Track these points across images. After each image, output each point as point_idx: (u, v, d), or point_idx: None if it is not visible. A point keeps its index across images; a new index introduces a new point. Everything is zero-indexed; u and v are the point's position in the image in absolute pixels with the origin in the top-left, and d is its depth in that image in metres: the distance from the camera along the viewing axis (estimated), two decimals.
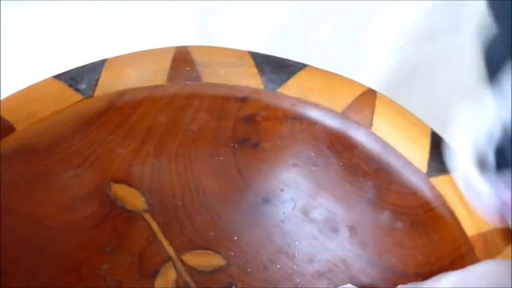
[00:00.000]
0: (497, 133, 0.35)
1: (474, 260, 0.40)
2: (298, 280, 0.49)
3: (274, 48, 0.48)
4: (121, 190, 0.48)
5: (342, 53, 0.63)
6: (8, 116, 0.43)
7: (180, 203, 0.49)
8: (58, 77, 0.44)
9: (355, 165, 0.46)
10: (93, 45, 0.50)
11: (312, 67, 0.45)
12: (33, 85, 0.44)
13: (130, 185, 0.48)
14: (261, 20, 0.63)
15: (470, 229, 0.41)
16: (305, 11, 0.64)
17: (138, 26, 0.59)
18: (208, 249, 0.50)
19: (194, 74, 0.45)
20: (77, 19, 0.58)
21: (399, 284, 0.42)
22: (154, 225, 0.49)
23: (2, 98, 0.43)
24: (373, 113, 0.44)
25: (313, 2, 0.63)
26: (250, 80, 0.45)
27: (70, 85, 0.44)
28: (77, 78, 0.44)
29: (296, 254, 0.49)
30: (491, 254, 0.40)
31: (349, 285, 0.46)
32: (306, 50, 0.61)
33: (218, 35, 0.61)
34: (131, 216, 0.49)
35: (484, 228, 0.40)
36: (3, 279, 0.44)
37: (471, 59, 0.38)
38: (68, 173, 0.46)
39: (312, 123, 0.46)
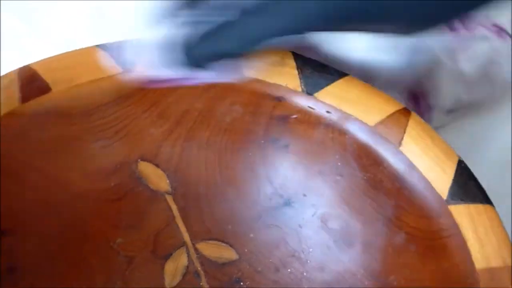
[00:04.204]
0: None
1: None
2: (306, 286, 0.49)
3: None
4: (147, 169, 0.49)
5: None
6: (46, 76, 0.43)
7: (203, 191, 0.50)
8: (101, 46, 0.45)
9: (379, 181, 0.45)
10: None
11: (352, 77, 0.45)
12: (75, 50, 0.45)
13: (157, 165, 0.49)
14: None
15: (479, 262, 0.40)
16: None
17: (135, 22, 0.59)
18: (223, 241, 0.50)
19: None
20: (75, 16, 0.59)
21: None
22: (175, 209, 0.49)
23: None
24: (404, 132, 0.44)
25: None
26: (289, 81, 0.45)
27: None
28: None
29: (308, 261, 0.49)
30: None
31: None
32: None
33: None
34: (153, 196, 0.49)
35: (493, 264, 0.40)
36: (17, 236, 0.45)
37: None
38: (97, 143, 0.47)
39: (343, 133, 0.45)
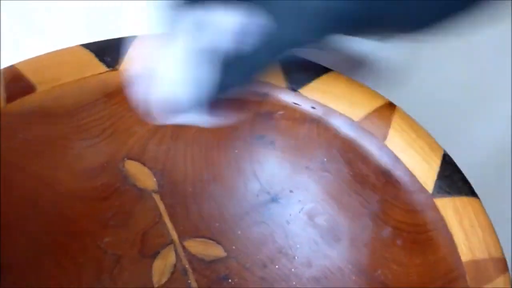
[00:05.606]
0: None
1: (464, 286, 0.40)
2: (294, 282, 0.49)
3: None
4: (133, 167, 0.49)
5: None
6: (30, 76, 0.43)
7: (190, 189, 0.50)
8: (86, 46, 0.45)
9: (364, 176, 0.45)
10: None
11: (336, 72, 0.45)
12: (60, 50, 0.45)
13: (143, 164, 0.49)
14: None
15: (465, 255, 0.40)
16: None
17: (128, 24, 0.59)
18: (211, 239, 0.50)
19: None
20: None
21: None
22: (162, 207, 0.49)
23: None
24: (389, 126, 0.44)
25: None
26: (273, 77, 0.45)
27: (96, 55, 0.45)
28: (105, 50, 0.45)
29: (296, 257, 0.49)
30: (481, 282, 0.39)
31: None
32: None
33: None
34: (140, 194, 0.49)
35: (479, 256, 0.40)
36: (4, 236, 0.45)
37: None
38: (84, 142, 0.47)
39: (328, 129, 0.46)
